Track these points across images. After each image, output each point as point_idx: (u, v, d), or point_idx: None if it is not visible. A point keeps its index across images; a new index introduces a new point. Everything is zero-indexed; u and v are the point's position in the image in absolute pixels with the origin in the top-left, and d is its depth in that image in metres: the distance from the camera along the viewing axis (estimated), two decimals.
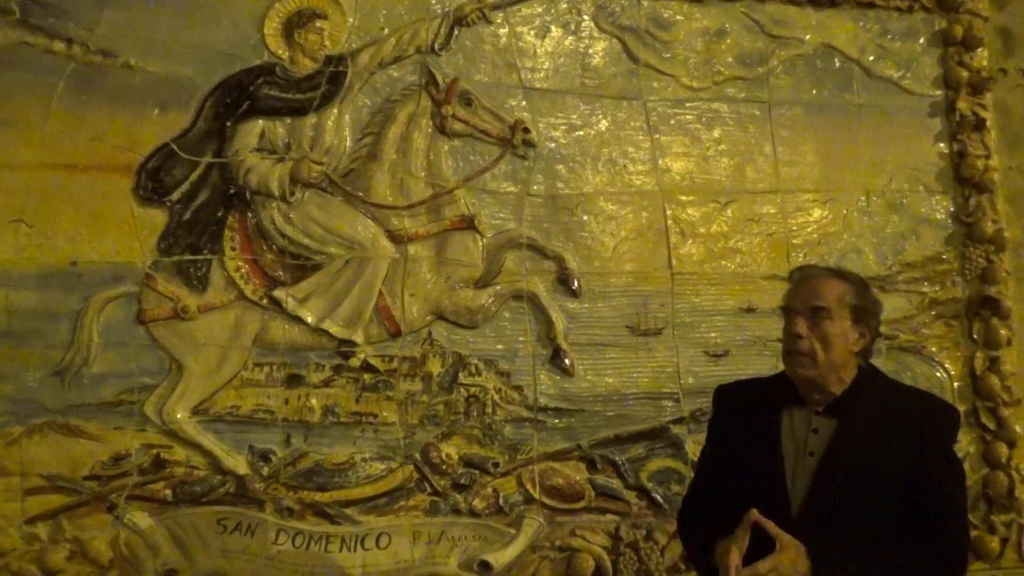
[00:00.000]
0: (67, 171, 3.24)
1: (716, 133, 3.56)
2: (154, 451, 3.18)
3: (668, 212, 3.49)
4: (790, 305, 2.07)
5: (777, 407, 2.07)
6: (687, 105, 3.56)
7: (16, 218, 3.20)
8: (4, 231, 3.19)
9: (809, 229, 3.57)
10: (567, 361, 3.36)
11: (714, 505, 2.10)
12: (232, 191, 3.30)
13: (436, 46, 3.41)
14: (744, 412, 2.14)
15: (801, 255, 3.53)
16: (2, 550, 3.06)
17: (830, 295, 2.02)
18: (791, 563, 1.84)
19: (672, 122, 3.54)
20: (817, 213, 3.59)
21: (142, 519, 3.14)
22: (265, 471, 3.22)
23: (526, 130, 3.41)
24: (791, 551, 1.85)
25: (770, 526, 1.86)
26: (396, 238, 3.35)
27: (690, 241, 3.50)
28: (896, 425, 2.00)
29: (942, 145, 3.74)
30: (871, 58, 3.70)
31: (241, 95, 3.32)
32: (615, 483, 3.35)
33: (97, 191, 3.24)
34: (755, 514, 1.87)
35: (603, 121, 3.51)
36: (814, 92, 3.65)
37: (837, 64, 3.67)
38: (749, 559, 1.87)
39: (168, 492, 3.17)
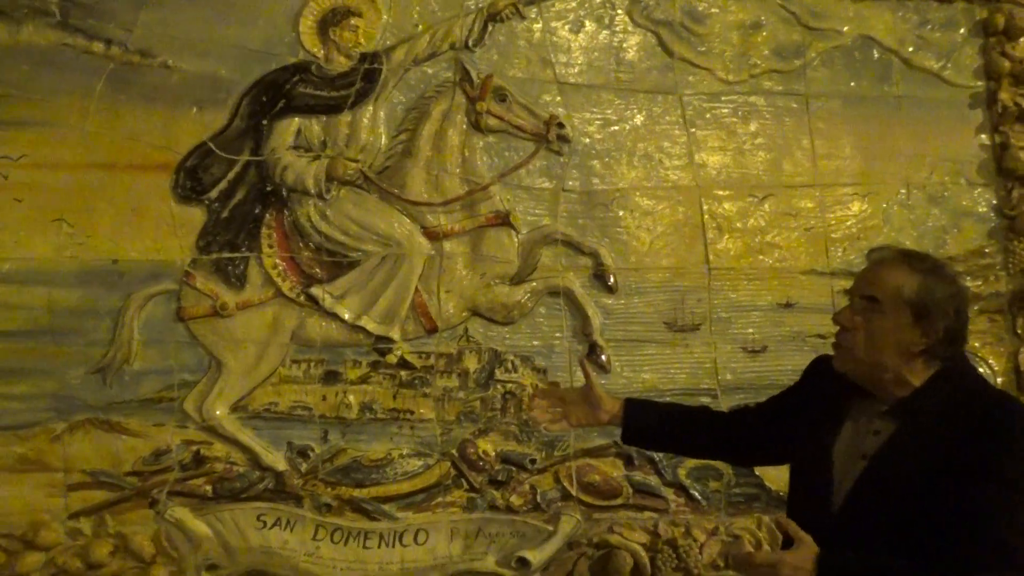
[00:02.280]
0: (106, 170, 3.27)
1: (752, 127, 3.52)
2: (194, 447, 3.21)
3: (704, 207, 3.46)
4: (850, 290, 1.93)
5: (849, 399, 1.92)
6: (723, 99, 3.52)
7: (57, 217, 3.24)
8: (46, 230, 3.23)
9: (848, 223, 3.52)
10: (603, 357, 3.34)
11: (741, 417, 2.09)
12: (269, 189, 3.32)
13: (470, 42, 3.41)
14: (821, 389, 2.01)
15: (840, 250, 3.49)
16: (47, 545, 3.11)
17: (887, 286, 1.83)
18: (791, 565, 1.70)
19: (708, 116, 3.51)
20: (856, 207, 3.54)
21: (183, 514, 3.17)
22: (303, 467, 3.24)
23: (561, 125, 3.39)
24: (800, 553, 1.72)
25: (791, 528, 1.76)
26: (431, 235, 3.35)
27: (727, 236, 3.47)
28: (955, 437, 1.77)
29: (984, 137, 3.67)
30: (910, 49, 3.64)
31: (277, 93, 3.34)
32: (653, 480, 3.32)
33: (136, 190, 3.27)
34: (782, 521, 1.80)
35: (638, 116, 3.48)
36: (852, 84, 3.59)
37: (876, 55, 3.62)
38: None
39: (208, 488, 3.20)
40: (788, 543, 1.77)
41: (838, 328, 1.90)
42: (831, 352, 1.97)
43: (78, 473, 3.16)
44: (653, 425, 2.28)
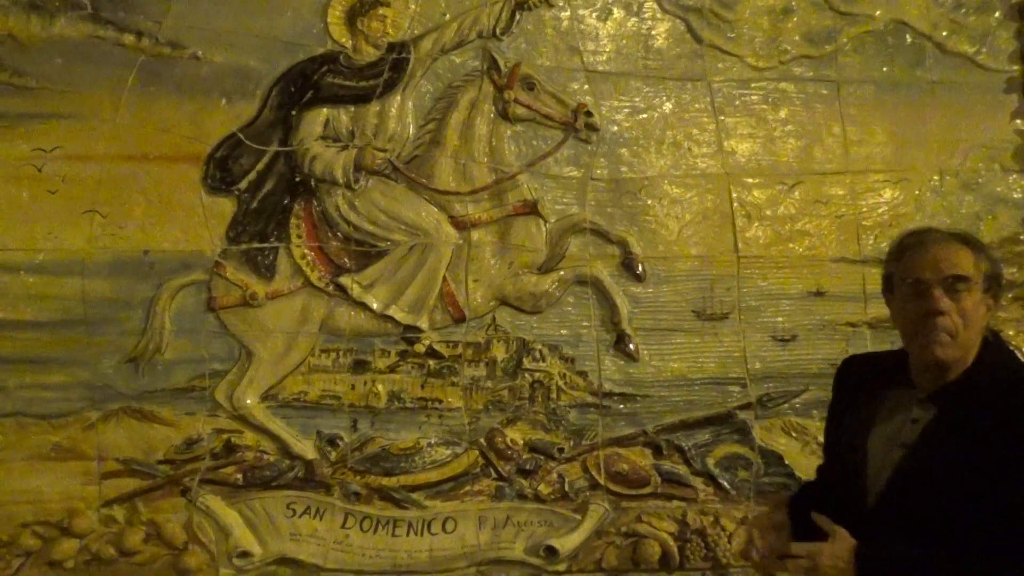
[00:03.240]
0: (138, 162, 3.31)
1: (783, 113, 3.48)
2: (225, 436, 3.25)
3: (734, 195, 3.43)
4: (921, 276, 1.75)
5: (883, 389, 1.87)
6: (752, 85, 3.48)
7: (90, 208, 3.28)
8: (78, 221, 3.28)
9: (880, 210, 3.47)
10: (632, 346, 3.33)
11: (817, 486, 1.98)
12: (298, 179, 3.34)
13: (498, 31, 3.40)
14: (853, 390, 1.96)
15: (871, 237, 3.44)
16: (81, 532, 3.16)
17: (968, 263, 1.75)
18: (830, 556, 1.69)
19: (737, 103, 3.47)
20: (888, 194, 3.49)
21: (214, 502, 3.21)
22: (333, 456, 3.26)
23: (589, 114, 3.37)
24: (837, 545, 1.71)
25: (823, 521, 1.75)
26: (459, 224, 3.35)
27: (756, 224, 3.43)
28: (998, 424, 1.69)
29: (1019, 122, 3.59)
30: (944, 33, 3.57)
31: (305, 84, 3.35)
32: (681, 469, 3.31)
33: (167, 181, 3.31)
34: (815, 516, 1.78)
35: (667, 103, 3.45)
36: (885, 69, 3.53)
37: (908, 40, 3.55)
38: None
39: (239, 476, 3.24)
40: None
41: (925, 315, 1.75)
42: (920, 341, 1.80)
43: (111, 461, 3.21)
44: None
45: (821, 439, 3.15)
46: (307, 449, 3.25)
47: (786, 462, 3.30)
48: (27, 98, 3.30)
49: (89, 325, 3.25)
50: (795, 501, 1.99)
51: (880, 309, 3.25)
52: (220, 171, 3.32)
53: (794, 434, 3.32)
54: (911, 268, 1.78)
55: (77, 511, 3.17)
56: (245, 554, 3.19)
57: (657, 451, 3.31)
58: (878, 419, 1.86)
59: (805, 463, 3.25)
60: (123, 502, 3.20)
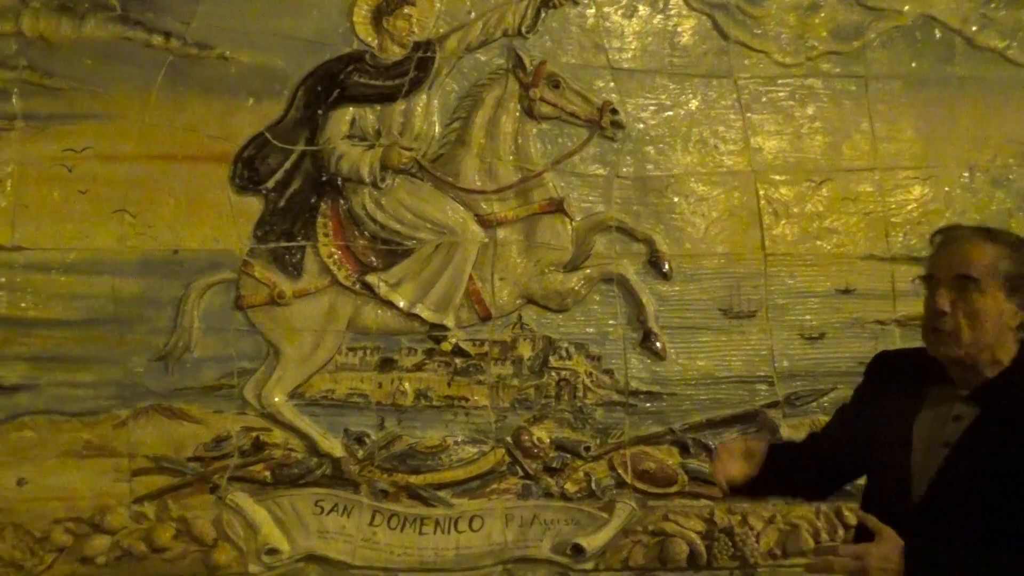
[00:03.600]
0: (166, 161, 3.34)
1: (810, 110, 3.46)
2: (253, 434, 3.27)
3: (761, 192, 3.41)
4: (932, 273, 1.78)
5: (924, 385, 1.83)
6: (779, 82, 3.46)
7: (119, 208, 3.32)
8: (108, 221, 3.31)
9: (909, 207, 3.44)
10: (658, 344, 3.32)
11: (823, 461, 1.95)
12: (324, 178, 3.35)
13: (523, 29, 3.39)
14: (887, 384, 1.92)
15: (901, 234, 3.41)
16: (113, 528, 3.19)
17: (980, 262, 1.73)
18: (879, 557, 1.65)
19: (764, 100, 3.45)
20: (917, 191, 3.46)
21: (243, 500, 3.23)
22: (360, 454, 3.27)
23: (614, 111, 3.37)
24: (885, 546, 1.67)
25: (870, 520, 1.71)
26: (485, 222, 3.36)
27: (784, 221, 3.41)
28: None
29: None
30: (974, 28, 3.53)
31: (332, 83, 3.37)
32: (708, 468, 3.28)
33: (195, 180, 3.34)
34: (858, 513, 1.76)
35: (693, 101, 3.44)
36: (913, 65, 3.50)
37: (938, 35, 3.52)
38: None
39: (267, 474, 3.26)
40: (862, 536, 1.73)
41: (932, 314, 1.77)
42: (913, 340, 1.88)
43: (142, 458, 3.24)
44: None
45: None
46: (335, 447, 3.26)
47: None
48: (57, 99, 3.34)
49: (119, 324, 3.28)
50: (775, 449, 1.94)
51: (910, 307, 3.28)
52: (248, 170, 3.34)
53: None
54: (928, 265, 1.81)
55: (108, 508, 3.20)
56: (274, 551, 3.21)
57: (684, 449, 3.31)
58: (918, 415, 1.83)
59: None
60: (154, 499, 3.23)
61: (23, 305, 3.28)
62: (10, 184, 3.31)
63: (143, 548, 3.19)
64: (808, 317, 3.37)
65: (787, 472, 1.95)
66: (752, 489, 1.92)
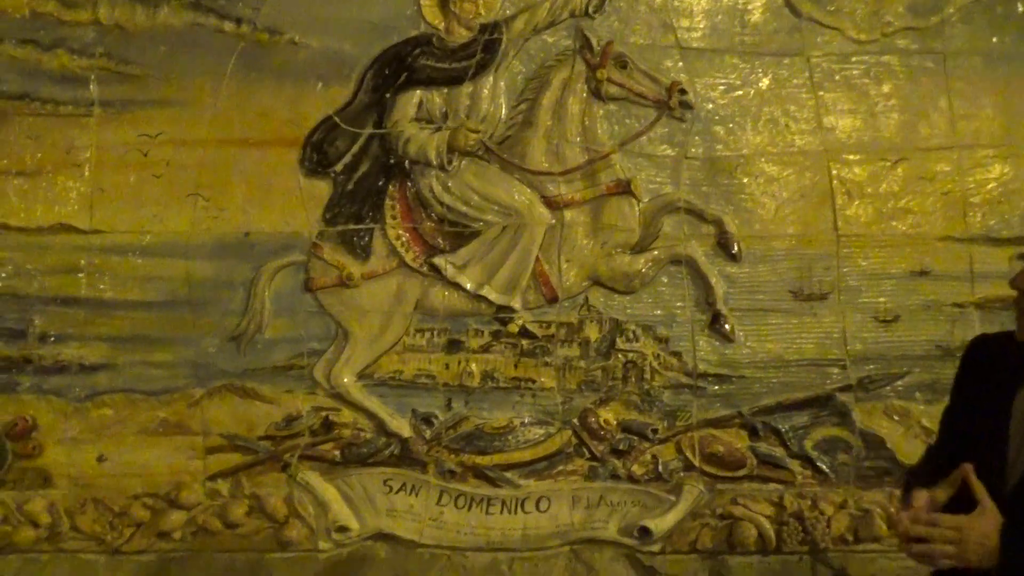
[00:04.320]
0: (238, 146, 3.40)
1: (886, 88, 3.37)
2: (323, 413, 3.32)
3: (833, 172, 3.34)
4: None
5: (1020, 372, 1.80)
6: (853, 59, 3.38)
7: (193, 192, 3.39)
8: (182, 205, 3.38)
9: (989, 186, 3.34)
10: (727, 326, 3.28)
11: (941, 467, 1.86)
12: (392, 161, 3.38)
13: (590, 9, 3.37)
14: (986, 369, 1.89)
15: (979, 215, 3.31)
16: (188, 504, 3.27)
17: None
18: (980, 533, 1.62)
19: (837, 78, 3.38)
20: (997, 169, 3.35)
21: (313, 478, 3.28)
22: (427, 434, 3.30)
23: (683, 91, 3.33)
24: (987, 522, 1.63)
25: (977, 486, 1.67)
26: (552, 204, 3.35)
27: (857, 202, 3.34)
28: None
29: None
30: None
31: (399, 66, 3.39)
32: (778, 451, 3.25)
33: (266, 164, 3.39)
34: (967, 468, 1.69)
35: (763, 80, 3.38)
36: (994, 40, 3.39)
37: (1020, 9, 3.40)
38: None
39: (337, 453, 3.31)
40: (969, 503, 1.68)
41: (1017, 294, 1.75)
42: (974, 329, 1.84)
43: (216, 437, 3.32)
44: None
45: (925, 423, 3.14)
46: (403, 427, 3.30)
47: (888, 446, 3.22)
48: (133, 85, 3.42)
49: (193, 305, 3.36)
50: (918, 480, 1.90)
51: (988, 289, 3.20)
52: (317, 154, 3.38)
53: (896, 417, 3.23)
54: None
55: (184, 484, 3.28)
56: (343, 529, 3.26)
57: (753, 433, 3.27)
58: (1017, 401, 1.78)
59: (908, 447, 3.17)
60: (227, 476, 3.30)
61: (101, 287, 3.37)
62: (88, 169, 3.40)
63: (217, 524, 3.26)
64: (882, 299, 3.30)
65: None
66: None
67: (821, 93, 3.37)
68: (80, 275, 3.37)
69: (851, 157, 3.36)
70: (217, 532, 3.26)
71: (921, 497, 1.70)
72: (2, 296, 3.36)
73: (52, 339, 3.35)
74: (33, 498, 3.27)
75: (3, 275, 3.37)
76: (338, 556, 3.26)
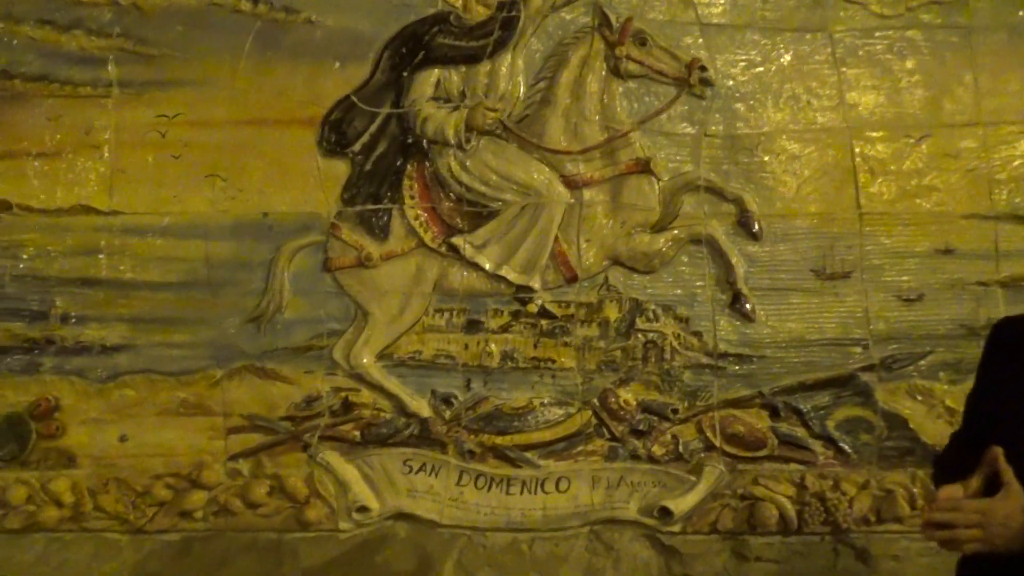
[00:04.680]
0: (255, 126, 3.39)
1: (909, 64, 3.32)
2: (343, 394, 3.32)
3: (856, 149, 3.30)
4: None
5: None
6: (877, 35, 3.33)
7: (211, 172, 3.39)
8: (200, 185, 3.39)
9: (1015, 163, 3.28)
10: (748, 306, 3.25)
11: (969, 452, 1.84)
12: (410, 140, 3.36)
13: None
14: (1012, 351, 1.87)
15: (1005, 192, 3.25)
16: (209, 484, 3.29)
17: None
18: (1003, 515, 1.61)
19: (860, 53, 3.33)
20: (1023, 146, 3.30)
21: (333, 458, 3.29)
22: (447, 414, 3.30)
23: (703, 68, 3.29)
24: (1012, 503, 1.61)
25: (1004, 468, 1.64)
26: (571, 183, 3.32)
27: (880, 179, 3.29)
28: None
29: None
30: None
31: (416, 45, 3.36)
32: (799, 432, 3.22)
33: (284, 144, 3.38)
34: (997, 451, 1.67)
35: (785, 56, 3.34)
36: (1020, 15, 3.32)
37: None
38: None
39: (357, 433, 3.31)
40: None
41: None
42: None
43: (236, 417, 3.32)
44: None
45: (948, 403, 3.11)
46: (422, 407, 3.29)
47: (911, 426, 3.18)
48: (150, 66, 3.42)
49: (212, 286, 3.36)
50: (945, 469, 1.88)
51: (1014, 267, 3.16)
52: (335, 134, 3.36)
53: (920, 397, 3.20)
54: None
55: (205, 464, 3.30)
56: (364, 508, 3.26)
57: (774, 413, 3.24)
58: None
59: (931, 427, 3.14)
60: (248, 456, 3.31)
61: (121, 268, 3.38)
62: (107, 150, 3.41)
63: (238, 504, 3.28)
64: (906, 278, 3.25)
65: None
66: None
67: (844, 69, 3.32)
68: (100, 256, 3.38)
69: (874, 134, 3.31)
70: (238, 512, 3.28)
71: (951, 491, 1.68)
72: (24, 278, 3.38)
73: (73, 320, 3.36)
74: (56, 478, 3.30)
75: (24, 257, 3.38)
76: (358, 536, 3.27)
